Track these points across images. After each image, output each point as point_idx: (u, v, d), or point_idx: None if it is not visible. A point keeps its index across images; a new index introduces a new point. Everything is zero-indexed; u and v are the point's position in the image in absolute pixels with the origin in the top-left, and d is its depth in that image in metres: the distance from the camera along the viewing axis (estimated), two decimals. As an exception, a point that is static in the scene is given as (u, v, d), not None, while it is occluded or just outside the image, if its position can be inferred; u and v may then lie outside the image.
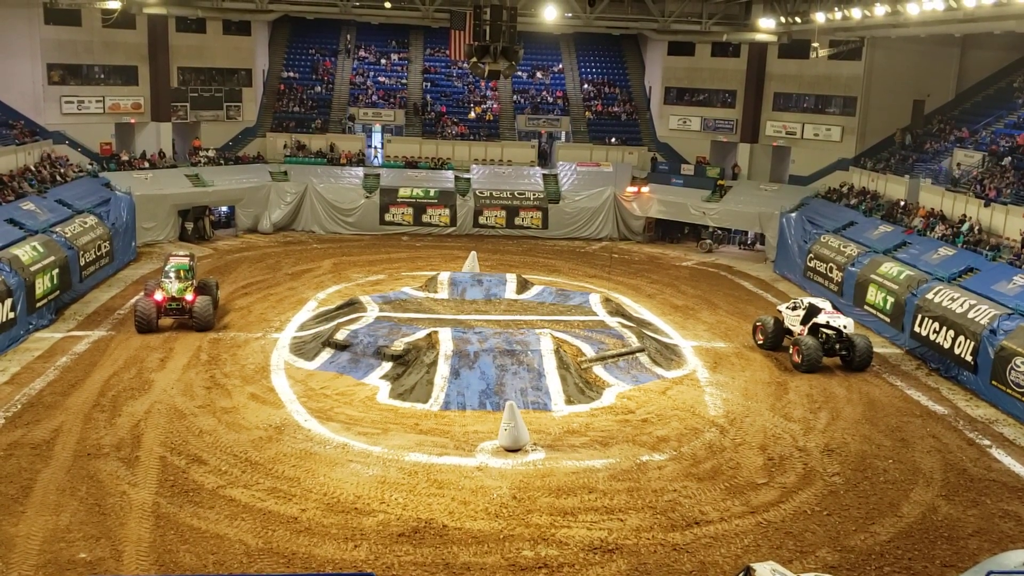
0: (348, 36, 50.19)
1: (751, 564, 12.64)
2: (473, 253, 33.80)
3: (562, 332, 25.06)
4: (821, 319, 25.34)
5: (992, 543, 16.14)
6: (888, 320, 28.95)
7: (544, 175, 44.31)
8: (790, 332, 26.41)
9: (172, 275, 26.67)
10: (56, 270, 27.87)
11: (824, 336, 25.26)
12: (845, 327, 25.27)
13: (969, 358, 24.45)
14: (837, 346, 25.28)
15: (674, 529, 16.25)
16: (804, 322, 25.73)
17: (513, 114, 48.30)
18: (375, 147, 47.75)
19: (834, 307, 26.77)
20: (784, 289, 35.23)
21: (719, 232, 42.87)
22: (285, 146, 44.05)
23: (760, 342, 27.04)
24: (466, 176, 43.62)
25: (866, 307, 30.35)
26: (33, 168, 33.67)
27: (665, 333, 27.97)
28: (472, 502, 16.94)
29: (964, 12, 28.70)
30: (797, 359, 25.06)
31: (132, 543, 15.08)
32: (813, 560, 15.37)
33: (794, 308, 26.66)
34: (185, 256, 27.80)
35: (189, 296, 26.55)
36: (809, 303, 26.21)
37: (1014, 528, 16.89)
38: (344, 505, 16.64)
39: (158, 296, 26.26)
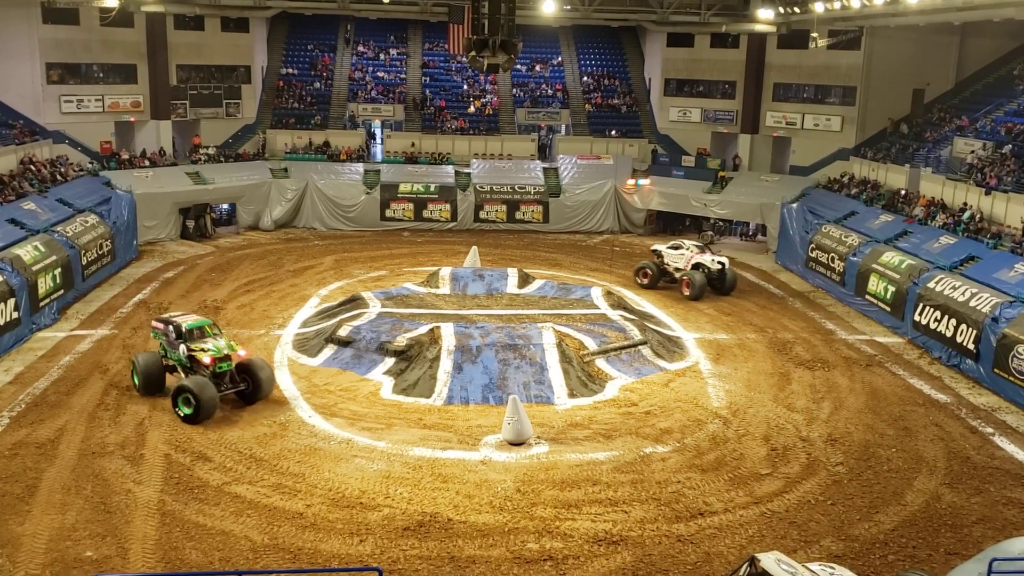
0: (348, 26, 50.12)
1: (756, 554, 12.65)
2: (474, 248, 33.80)
3: (564, 326, 25.09)
4: (707, 259, 31.44)
5: (996, 530, 16.17)
6: (889, 309, 28.95)
7: (544, 169, 44.26)
8: (668, 272, 32.04)
9: (199, 334, 21.08)
10: (58, 269, 27.90)
11: (707, 271, 31.25)
12: (723, 264, 31.61)
13: (971, 346, 24.45)
14: (714, 279, 31.34)
15: (678, 520, 16.29)
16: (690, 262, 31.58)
17: (512, 108, 48.26)
18: (377, 139, 47.71)
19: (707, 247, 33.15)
20: (786, 280, 35.24)
21: (720, 224, 42.83)
22: (286, 143, 44.02)
23: (645, 283, 32.07)
24: (466, 171, 43.58)
25: (867, 296, 30.35)
26: (24, 166, 33.49)
27: (667, 325, 27.98)
28: (476, 496, 16.98)
29: (963, 0, 28.63)
30: (688, 291, 30.78)
31: (138, 541, 15.13)
32: (817, 549, 15.42)
33: (676, 248, 32.16)
34: (193, 315, 22.64)
35: (241, 351, 21.38)
36: (693, 245, 32.38)
37: (1018, 515, 16.92)
38: (349, 500, 16.69)
39: (205, 359, 20.41)
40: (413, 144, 45.01)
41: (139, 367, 21.05)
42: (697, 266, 31.43)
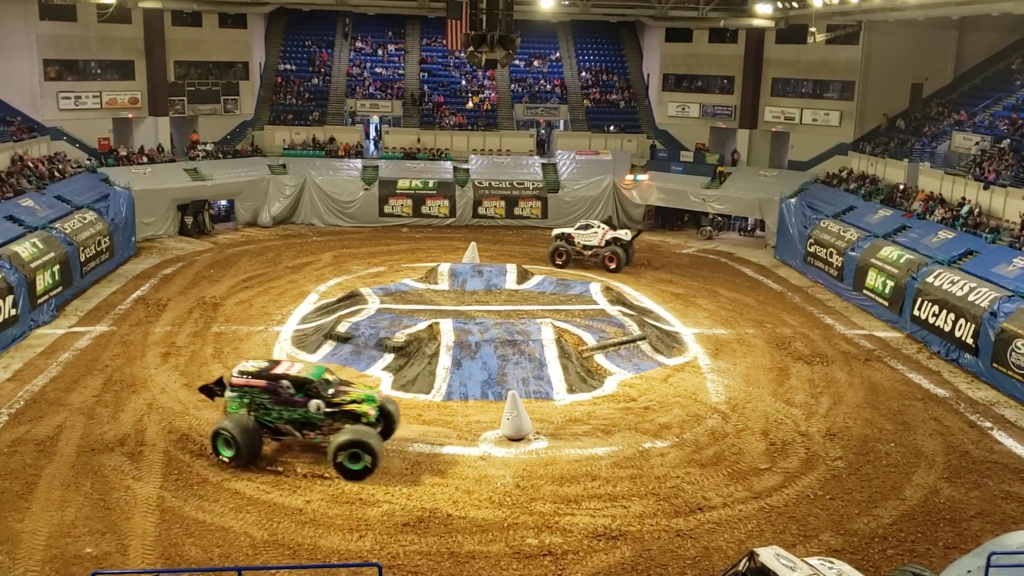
0: (346, 21, 50.02)
1: (755, 549, 12.67)
2: (473, 244, 33.80)
3: (563, 321, 25.09)
4: (621, 234, 34.89)
5: (994, 524, 16.20)
6: (888, 304, 28.96)
7: (543, 164, 44.25)
8: (580, 249, 34.62)
9: (325, 384, 18.16)
10: (56, 266, 27.88)
11: (622, 243, 34.45)
12: (630, 237, 35.12)
13: (970, 341, 24.47)
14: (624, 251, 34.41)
15: (677, 515, 16.31)
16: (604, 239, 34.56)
17: (511, 103, 48.21)
18: (371, 134, 47.66)
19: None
20: (784, 275, 35.24)
21: (719, 219, 42.83)
22: (284, 140, 43.96)
23: (560, 263, 34.19)
24: (465, 167, 43.56)
25: (866, 291, 30.36)
26: (16, 164, 33.40)
27: (666, 321, 27.99)
28: (476, 491, 17.00)
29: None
30: (613, 265, 33.88)
31: (138, 537, 15.15)
32: (816, 544, 15.45)
33: (586, 228, 34.97)
34: (294, 364, 19.23)
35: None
36: (602, 223, 35.59)
37: (1016, 509, 16.95)
38: (348, 496, 16.69)
39: (368, 410, 17.91)
40: (419, 140, 44.95)
41: (239, 435, 17.32)
42: (613, 240, 34.45)
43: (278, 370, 18.12)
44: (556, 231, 35.75)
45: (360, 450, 17.19)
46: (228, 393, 18.18)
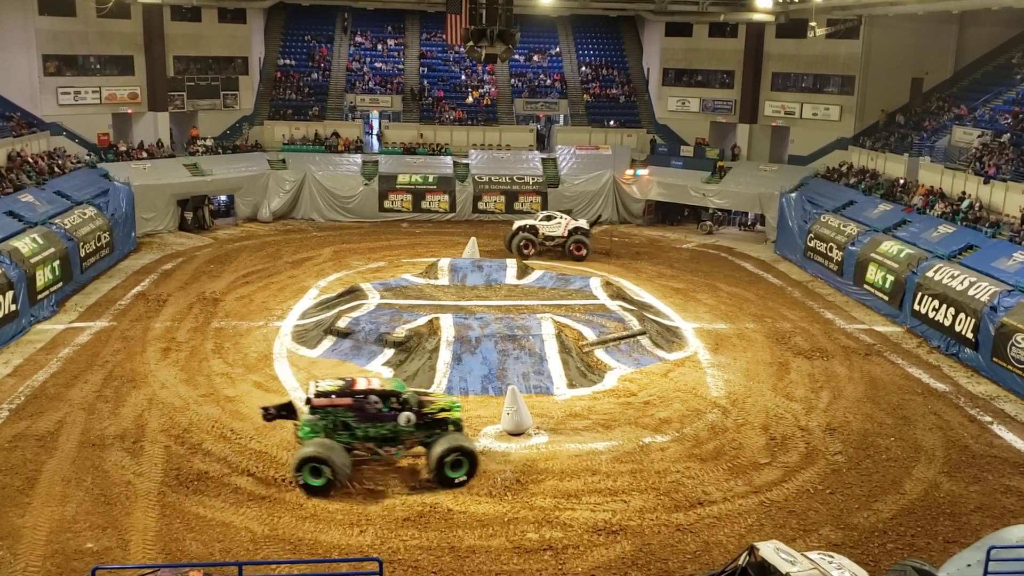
0: (346, 14, 49.94)
1: (755, 543, 12.70)
2: (473, 239, 33.81)
3: (563, 316, 25.09)
4: (581, 223, 35.84)
5: (994, 519, 16.22)
6: (888, 298, 28.95)
7: (543, 159, 44.21)
8: (543, 239, 35.34)
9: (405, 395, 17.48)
10: (56, 262, 27.88)
11: (582, 232, 35.25)
12: (589, 225, 36.15)
13: (970, 335, 24.47)
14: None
15: (678, 510, 16.33)
16: (568, 228, 35.47)
17: (511, 98, 48.15)
18: (373, 129, 47.63)
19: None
20: (785, 269, 35.24)
21: (719, 214, 42.80)
22: (283, 135, 43.92)
23: (529, 255, 34.45)
24: (465, 161, 43.52)
25: (866, 286, 30.35)
26: (13, 161, 33.34)
27: (666, 315, 28.00)
28: (476, 486, 17.00)
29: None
30: (581, 253, 34.73)
31: (138, 532, 15.17)
32: (816, 538, 15.47)
33: (549, 219, 35.81)
34: (371, 379, 18.45)
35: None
36: (562, 214, 36.49)
37: (1016, 503, 16.97)
38: (349, 491, 16.70)
39: (457, 415, 17.67)
40: (422, 135, 44.89)
41: (336, 458, 16.45)
42: (575, 230, 35.42)
43: (359, 386, 17.30)
44: (518, 223, 36.00)
45: (463, 457, 16.89)
46: (307, 417, 17.09)
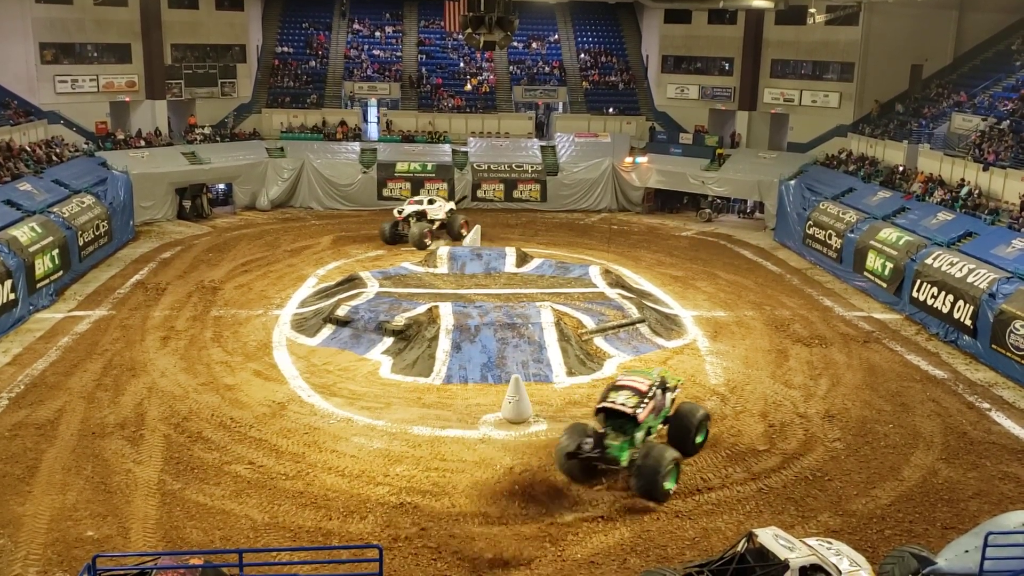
0: (344, 1, 49.73)
1: (753, 530, 12.75)
2: (478, 227, 33.93)
3: (562, 304, 25.10)
4: (453, 204, 36.58)
5: (992, 505, 16.27)
6: (887, 286, 28.96)
7: (542, 147, 44.13)
8: (431, 221, 35.05)
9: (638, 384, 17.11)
10: (55, 250, 27.85)
11: (456, 211, 36.16)
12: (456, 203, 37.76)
13: (968, 322, 24.50)
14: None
15: (676, 496, 16.36)
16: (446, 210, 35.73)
17: (510, 85, 48.02)
18: (369, 117, 47.52)
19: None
20: (783, 257, 35.23)
21: (718, 201, 42.77)
22: (281, 123, 43.79)
23: (428, 241, 33.54)
24: (463, 149, 43.41)
25: (865, 273, 30.35)
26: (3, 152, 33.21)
27: (665, 303, 28.01)
28: (476, 473, 17.04)
29: (962, -26, 28.47)
30: (467, 231, 34.52)
31: (139, 520, 15.21)
32: (815, 525, 15.52)
33: (433, 203, 35.72)
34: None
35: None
36: (438, 198, 36.72)
37: (1014, 490, 17.02)
38: (349, 478, 16.75)
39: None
40: (430, 123, 44.74)
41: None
42: (452, 211, 36.11)
43: (636, 384, 16.89)
44: (408, 211, 35.17)
45: (707, 420, 17.95)
46: (638, 434, 16.46)
